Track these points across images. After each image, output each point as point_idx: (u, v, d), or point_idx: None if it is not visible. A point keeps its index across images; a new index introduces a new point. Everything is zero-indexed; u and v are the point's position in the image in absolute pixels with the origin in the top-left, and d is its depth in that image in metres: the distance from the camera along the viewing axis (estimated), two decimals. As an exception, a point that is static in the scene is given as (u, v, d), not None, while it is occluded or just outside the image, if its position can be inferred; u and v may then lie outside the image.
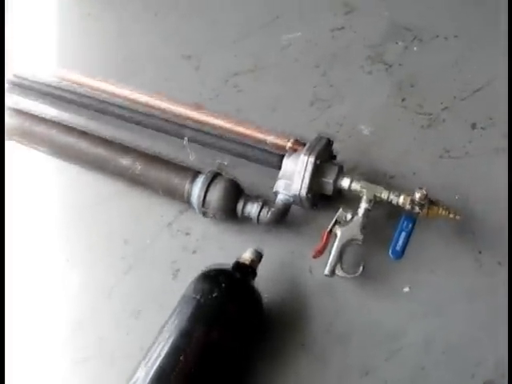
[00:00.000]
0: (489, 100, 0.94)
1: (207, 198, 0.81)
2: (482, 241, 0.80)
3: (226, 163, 0.90)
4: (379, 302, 0.76)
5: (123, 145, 0.90)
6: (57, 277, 0.85)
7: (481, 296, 0.76)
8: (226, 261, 0.76)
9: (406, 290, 0.77)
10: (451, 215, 0.75)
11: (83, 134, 0.92)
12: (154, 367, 0.66)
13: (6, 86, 1.03)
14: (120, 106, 0.96)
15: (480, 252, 0.79)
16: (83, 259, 0.86)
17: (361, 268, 0.76)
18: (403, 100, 0.95)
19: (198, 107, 0.95)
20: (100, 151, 0.89)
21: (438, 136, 0.91)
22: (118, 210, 0.89)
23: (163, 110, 0.94)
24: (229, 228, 0.84)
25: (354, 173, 0.82)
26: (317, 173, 0.78)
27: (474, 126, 0.91)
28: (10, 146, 0.93)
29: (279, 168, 0.82)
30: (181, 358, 0.66)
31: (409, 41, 1.03)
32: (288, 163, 0.81)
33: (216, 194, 0.81)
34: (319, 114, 0.95)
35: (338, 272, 0.75)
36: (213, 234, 0.84)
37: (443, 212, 0.75)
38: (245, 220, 0.82)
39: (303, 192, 0.78)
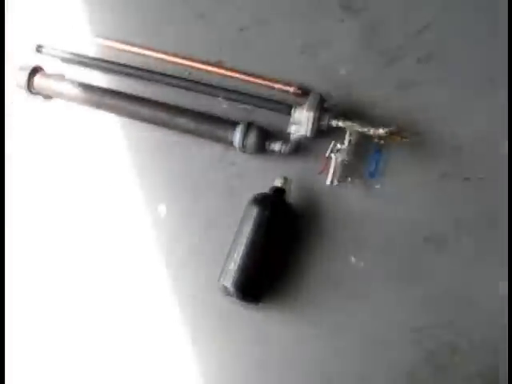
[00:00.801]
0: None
1: (245, 142, 1.24)
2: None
3: (249, 108, 1.31)
4: (360, 196, 1.25)
5: (177, 107, 1.30)
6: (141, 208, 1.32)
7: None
8: (261, 181, 1.24)
9: (378, 186, 1.24)
10: (404, 139, 1.20)
11: (145, 100, 1.32)
12: (239, 259, 1.16)
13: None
14: (163, 74, 1.34)
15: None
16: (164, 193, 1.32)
17: (348, 179, 1.23)
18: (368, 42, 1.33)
19: (219, 63, 1.34)
20: (162, 114, 1.30)
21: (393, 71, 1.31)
22: (180, 154, 1.32)
23: (193, 68, 1.34)
24: (260, 158, 1.28)
25: (337, 109, 1.24)
26: (315, 119, 1.21)
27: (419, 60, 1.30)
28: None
29: (287, 114, 1.24)
30: (253, 253, 1.17)
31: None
32: (296, 114, 1.23)
33: (251, 138, 1.24)
34: (307, 60, 1.33)
35: (335, 182, 1.22)
36: (249, 163, 1.29)
37: (398, 138, 1.20)
38: (271, 153, 1.26)
39: (309, 133, 1.22)
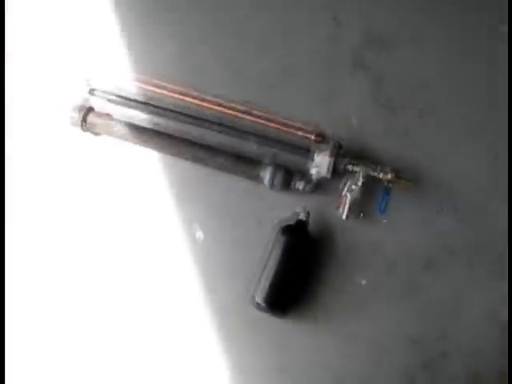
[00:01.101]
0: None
1: (274, 181, 1.49)
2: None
3: (275, 150, 1.55)
4: (370, 228, 1.50)
5: (216, 148, 1.54)
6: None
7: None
8: (286, 213, 1.49)
9: (385, 221, 1.50)
10: (409, 182, 1.46)
11: (187, 141, 1.56)
12: (270, 279, 1.42)
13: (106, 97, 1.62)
14: (201, 119, 1.57)
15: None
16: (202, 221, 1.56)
17: (361, 214, 1.48)
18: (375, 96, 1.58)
19: (247, 104, 1.58)
20: (202, 153, 1.54)
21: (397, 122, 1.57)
22: (217, 189, 1.56)
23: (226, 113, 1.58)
24: (285, 194, 1.52)
25: (349, 154, 1.49)
26: (334, 164, 1.47)
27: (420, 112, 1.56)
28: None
29: (309, 158, 1.49)
30: (281, 273, 1.42)
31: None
32: (318, 159, 1.47)
33: (279, 178, 1.48)
34: (324, 109, 1.58)
35: (349, 217, 1.47)
36: (276, 198, 1.53)
37: (403, 182, 1.46)
38: (295, 190, 1.50)
39: (329, 175, 1.47)
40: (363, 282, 1.49)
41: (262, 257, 1.47)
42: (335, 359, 1.48)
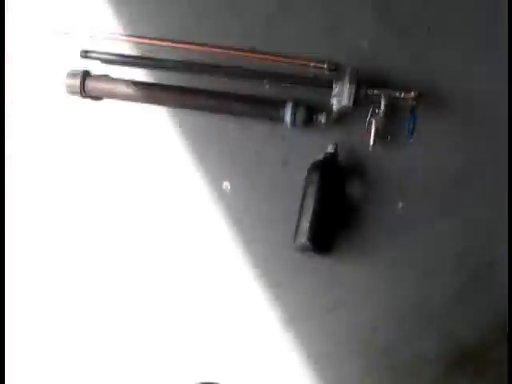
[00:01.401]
0: None
1: (296, 118, 1.45)
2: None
3: (289, 86, 1.50)
4: (398, 151, 1.49)
5: (232, 93, 1.49)
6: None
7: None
8: (311, 149, 1.46)
9: (411, 141, 1.48)
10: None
11: (200, 91, 1.49)
12: (310, 218, 1.39)
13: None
14: (208, 65, 1.51)
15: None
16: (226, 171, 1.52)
17: (388, 137, 1.46)
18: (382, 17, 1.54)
19: (253, 49, 1.52)
20: (219, 101, 1.48)
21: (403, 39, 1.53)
22: (235, 135, 1.52)
23: (232, 56, 1.52)
24: (306, 130, 1.48)
25: (367, 79, 1.46)
26: (355, 91, 1.43)
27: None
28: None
29: (329, 88, 1.45)
30: (321, 210, 1.40)
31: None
32: (337, 87, 1.43)
33: (301, 113, 1.44)
34: (333, 39, 1.54)
35: (376, 142, 1.45)
36: (298, 135, 1.49)
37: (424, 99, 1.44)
38: (316, 125, 1.47)
39: (350, 103, 1.43)
40: (400, 206, 1.48)
41: (298, 198, 1.44)
42: (385, 287, 1.49)
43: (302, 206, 1.42)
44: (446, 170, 1.49)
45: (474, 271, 1.47)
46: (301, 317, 1.49)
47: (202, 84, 1.51)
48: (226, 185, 1.51)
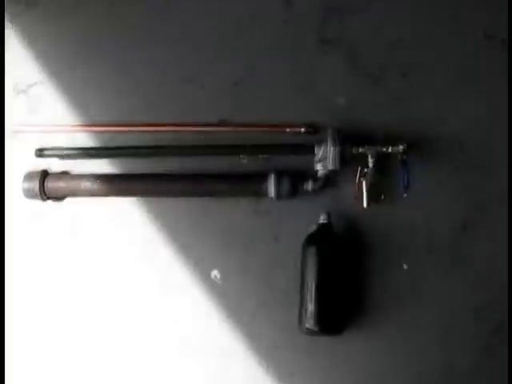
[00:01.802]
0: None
1: (281, 190, 1.34)
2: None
3: (267, 157, 1.40)
4: (394, 208, 1.39)
5: (207, 174, 1.37)
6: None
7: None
8: (300, 220, 1.36)
9: (405, 196, 1.38)
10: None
11: (174, 176, 1.38)
12: (314, 298, 1.27)
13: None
14: (175, 146, 1.40)
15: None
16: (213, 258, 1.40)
17: (382, 196, 1.36)
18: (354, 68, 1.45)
19: (224, 122, 1.42)
20: (193, 185, 1.37)
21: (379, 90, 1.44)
22: (216, 218, 1.40)
23: (201, 132, 1.41)
24: (295, 200, 1.38)
25: (350, 137, 1.36)
26: (340, 152, 1.33)
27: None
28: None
29: (310, 154, 1.35)
30: (325, 288, 1.28)
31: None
32: (321, 151, 1.34)
33: (285, 185, 1.34)
34: (305, 98, 1.44)
35: (371, 203, 1.35)
36: (284, 207, 1.38)
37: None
38: (304, 194, 1.36)
39: (337, 166, 1.33)
40: (405, 267, 1.38)
41: (297, 276, 1.33)
42: (402, 361, 1.37)
43: (302, 285, 1.31)
44: (449, 219, 1.39)
45: (495, 324, 1.35)
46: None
47: (173, 167, 1.40)
48: (215, 274, 1.39)
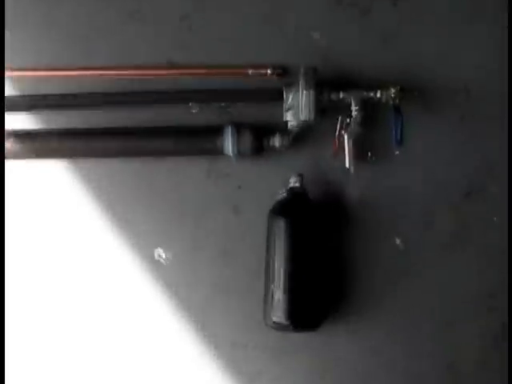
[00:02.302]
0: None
1: (240, 146, 1.06)
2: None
3: (223, 104, 1.12)
4: (384, 169, 1.11)
5: (147, 128, 1.09)
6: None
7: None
8: (269, 185, 1.09)
9: (397, 153, 1.11)
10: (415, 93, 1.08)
11: (107, 132, 1.09)
12: (283, 285, 1.00)
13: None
14: (113, 94, 1.11)
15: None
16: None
17: (369, 154, 1.09)
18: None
19: (170, 64, 1.13)
20: (132, 142, 1.09)
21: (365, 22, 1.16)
22: (163, 183, 1.12)
23: (142, 76, 1.13)
24: (258, 160, 1.10)
25: (327, 81, 1.09)
26: (315, 98, 1.05)
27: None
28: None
29: (278, 100, 1.07)
30: (298, 272, 1.01)
31: None
32: (291, 97, 1.06)
33: (247, 140, 1.06)
34: (273, 33, 1.15)
35: (355, 163, 1.07)
36: (247, 169, 1.11)
37: (411, 94, 1.07)
38: (269, 151, 1.09)
39: (312, 117, 1.05)
40: (398, 242, 1.11)
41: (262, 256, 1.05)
42: (396, 357, 1.10)
43: (268, 267, 1.04)
44: (450, 183, 1.12)
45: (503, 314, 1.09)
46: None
47: (108, 121, 1.11)
48: (160, 252, 1.11)
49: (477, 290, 1.10)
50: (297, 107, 1.06)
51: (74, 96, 1.11)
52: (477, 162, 1.11)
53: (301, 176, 1.06)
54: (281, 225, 1.02)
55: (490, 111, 1.12)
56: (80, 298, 1.12)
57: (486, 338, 1.10)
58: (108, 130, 1.11)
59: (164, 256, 1.11)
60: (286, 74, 1.11)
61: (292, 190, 1.06)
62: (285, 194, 1.06)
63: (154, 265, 1.11)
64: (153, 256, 1.11)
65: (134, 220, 1.12)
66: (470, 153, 1.11)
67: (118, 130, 1.10)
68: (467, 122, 1.11)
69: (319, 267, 1.04)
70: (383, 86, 1.06)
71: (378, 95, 1.06)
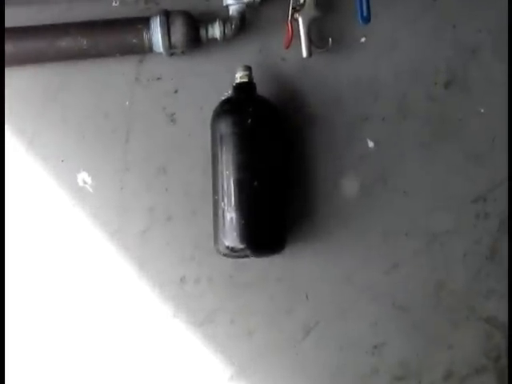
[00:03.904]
0: None
1: (172, 39, 0.88)
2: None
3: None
4: (348, 58, 0.94)
5: (51, 25, 0.89)
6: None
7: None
8: (211, 85, 0.91)
9: (363, 40, 0.95)
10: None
11: (14, 31, 0.88)
12: (234, 202, 0.83)
13: None
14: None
15: None
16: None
17: (330, 40, 0.92)
18: None
19: None
20: (30, 43, 0.88)
21: None
22: (80, 91, 0.93)
23: None
24: (196, 55, 0.92)
25: None
26: (258, -28, 0.88)
27: None
28: None
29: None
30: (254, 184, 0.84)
31: None
32: (228, -28, 0.88)
33: (179, 30, 0.88)
34: None
35: (312, 51, 0.90)
36: (184, 67, 0.93)
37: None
38: (209, 44, 0.91)
39: (255, -5, 0.88)
40: (371, 145, 0.94)
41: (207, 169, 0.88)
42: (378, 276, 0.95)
43: (216, 183, 0.86)
44: (425, 71, 0.95)
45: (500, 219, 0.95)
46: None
47: (15, 17, 0.90)
48: (84, 177, 0.92)
49: (458, 191, 0.95)
50: (238, -15, 0.88)
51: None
52: (456, 43, 0.96)
53: (249, 68, 0.88)
54: (228, 124, 0.84)
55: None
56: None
57: (478, 250, 0.95)
58: (16, 29, 0.90)
59: (90, 181, 0.92)
60: None
61: (239, 86, 0.88)
62: (230, 92, 0.89)
63: (79, 192, 0.92)
64: (76, 182, 0.92)
65: (51, 138, 0.92)
66: (447, 34, 0.95)
67: (14, 29, 0.90)
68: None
69: (278, 176, 0.87)
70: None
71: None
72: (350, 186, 0.94)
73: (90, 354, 0.93)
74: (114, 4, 0.92)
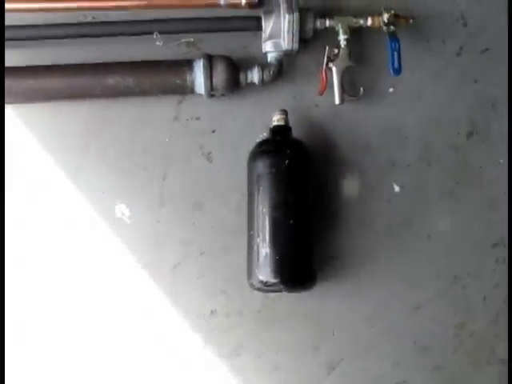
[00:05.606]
0: None
1: (213, 81, 0.94)
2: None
3: (192, 39, 1.00)
4: (378, 106, 1.01)
5: (101, 64, 0.95)
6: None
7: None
8: (246, 126, 0.98)
9: (391, 90, 1.02)
10: (410, 21, 0.99)
11: (48, 69, 0.95)
12: (269, 239, 0.88)
13: None
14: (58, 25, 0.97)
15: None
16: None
17: (361, 89, 0.99)
18: None
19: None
20: (79, 80, 0.94)
21: None
22: (121, 128, 0.99)
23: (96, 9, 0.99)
24: (234, 98, 0.99)
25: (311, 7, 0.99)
26: (299, 24, 0.95)
27: None
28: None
29: (256, 30, 0.97)
30: (289, 221, 0.89)
31: None
32: (271, 24, 0.95)
33: (221, 74, 0.95)
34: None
35: (345, 98, 0.97)
36: (222, 108, 0.99)
37: (406, 21, 0.98)
38: (247, 88, 0.97)
39: (295, 46, 0.95)
40: (397, 189, 1.01)
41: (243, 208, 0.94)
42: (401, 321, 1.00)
43: (251, 220, 0.92)
44: (450, 120, 1.03)
45: None
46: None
47: (56, 57, 0.97)
48: (122, 209, 0.97)
49: (480, 236, 1.01)
50: (277, 37, 0.95)
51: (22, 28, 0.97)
52: (477, 97, 1.03)
53: (285, 112, 0.95)
54: (266, 165, 0.91)
55: (491, 42, 1.03)
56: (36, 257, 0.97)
57: (497, 294, 1.01)
58: (56, 67, 0.96)
59: (127, 213, 0.97)
60: (261, 5, 1.00)
61: (276, 128, 0.94)
62: (267, 134, 0.95)
63: (116, 223, 0.97)
64: (114, 213, 0.97)
65: (91, 172, 0.98)
66: (469, 87, 1.03)
67: (66, 66, 0.96)
68: (466, 53, 1.03)
69: (311, 215, 0.93)
70: (374, 12, 0.96)
71: (369, 22, 0.97)
72: (377, 228, 0.99)
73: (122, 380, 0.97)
74: (157, 43, 0.99)
